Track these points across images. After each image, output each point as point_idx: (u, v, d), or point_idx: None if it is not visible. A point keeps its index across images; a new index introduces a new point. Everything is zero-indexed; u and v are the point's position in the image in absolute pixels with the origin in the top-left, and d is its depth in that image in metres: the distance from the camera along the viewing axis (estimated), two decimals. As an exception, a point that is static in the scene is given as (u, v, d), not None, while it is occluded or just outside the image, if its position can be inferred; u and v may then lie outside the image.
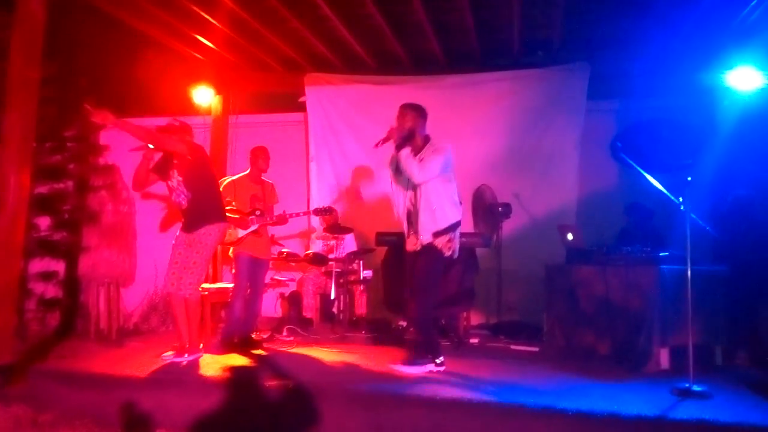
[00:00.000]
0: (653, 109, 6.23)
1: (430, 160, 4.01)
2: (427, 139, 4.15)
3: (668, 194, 3.73)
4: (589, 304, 4.69)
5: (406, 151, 4.01)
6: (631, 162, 3.85)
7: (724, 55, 5.40)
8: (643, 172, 3.77)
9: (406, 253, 4.25)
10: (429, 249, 4.03)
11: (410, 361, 4.07)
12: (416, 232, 4.09)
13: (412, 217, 4.14)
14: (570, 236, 5.11)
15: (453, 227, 4.06)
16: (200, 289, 4.53)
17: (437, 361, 4.08)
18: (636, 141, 5.89)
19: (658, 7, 5.10)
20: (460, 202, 4.25)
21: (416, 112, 4.15)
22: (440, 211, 4.02)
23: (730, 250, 4.65)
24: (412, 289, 4.14)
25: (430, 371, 4.02)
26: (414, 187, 4.09)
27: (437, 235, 4.00)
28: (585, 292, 4.73)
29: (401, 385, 3.69)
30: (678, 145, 5.77)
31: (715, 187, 4.98)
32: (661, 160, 5.30)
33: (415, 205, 4.10)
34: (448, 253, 4.05)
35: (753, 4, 4.86)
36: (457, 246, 4.14)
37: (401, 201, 4.20)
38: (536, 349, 5.03)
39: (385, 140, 4.07)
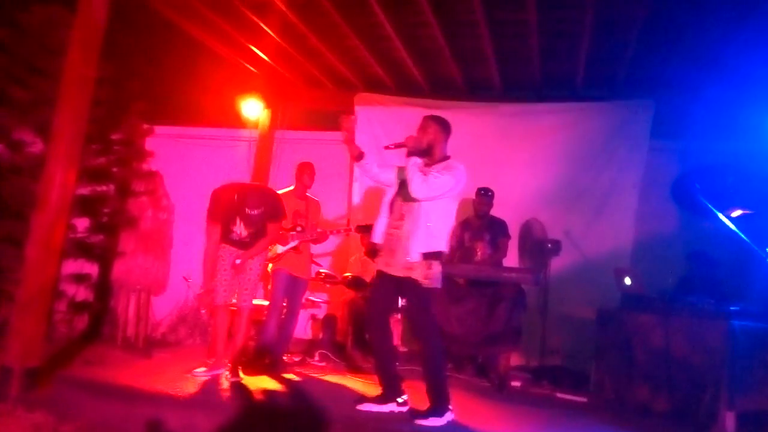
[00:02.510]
0: (718, 152, 5.87)
1: (437, 177, 3.53)
2: (445, 158, 3.72)
3: (752, 245, 3.42)
4: (645, 355, 4.37)
5: (415, 160, 3.57)
6: (711, 207, 3.56)
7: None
8: (725, 219, 3.48)
9: (377, 273, 3.75)
10: (411, 286, 3.54)
11: (433, 413, 3.50)
12: (400, 250, 3.57)
13: (397, 233, 3.62)
14: (628, 281, 4.79)
15: (438, 255, 3.58)
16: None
17: (399, 400, 3.65)
18: (700, 184, 5.58)
19: (728, 55, 4.95)
20: None
21: (439, 125, 3.76)
22: (437, 230, 3.55)
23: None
24: (414, 328, 3.74)
25: (391, 411, 3.60)
26: (411, 200, 3.59)
27: (426, 257, 3.51)
28: (642, 342, 4.40)
29: (444, 429, 3.43)
30: (744, 193, 5.43)
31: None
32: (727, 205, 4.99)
33: (406, 219, 3.59)
34: (425, 284, 3.53)
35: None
36: (438, 278, 3.59)
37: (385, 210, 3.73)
38: (584, 399, 4.69)
39: (399, 145, 3.65)
